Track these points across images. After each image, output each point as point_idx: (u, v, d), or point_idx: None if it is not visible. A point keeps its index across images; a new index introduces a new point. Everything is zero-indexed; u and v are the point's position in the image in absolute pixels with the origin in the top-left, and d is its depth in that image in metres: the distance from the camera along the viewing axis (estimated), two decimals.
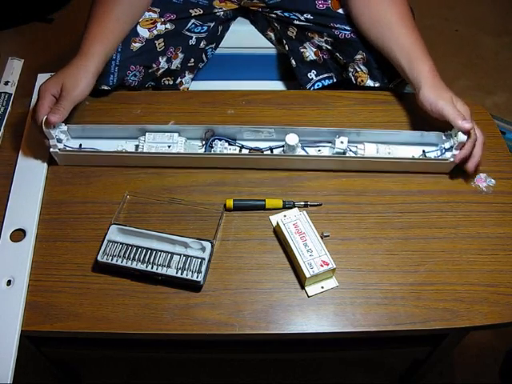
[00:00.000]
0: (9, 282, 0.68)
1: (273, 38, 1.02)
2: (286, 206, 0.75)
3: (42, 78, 0.90)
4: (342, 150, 0.78)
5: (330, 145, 0.80)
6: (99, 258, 0.68)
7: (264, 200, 0.75)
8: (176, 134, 0.78)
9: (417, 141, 0.80)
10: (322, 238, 0.71)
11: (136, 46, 0.86)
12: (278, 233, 0.73)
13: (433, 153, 0.80)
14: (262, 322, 0.66)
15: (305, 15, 0.92)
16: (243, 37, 1.03)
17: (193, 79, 1.00)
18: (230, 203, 0.75)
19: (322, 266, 0.67)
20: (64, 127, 0.77)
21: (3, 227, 0.73)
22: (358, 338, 0.84)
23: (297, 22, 0.93)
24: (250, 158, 0.78)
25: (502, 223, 0.75)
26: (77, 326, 0.66)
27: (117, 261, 0.68)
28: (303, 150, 0.79)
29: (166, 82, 0.96)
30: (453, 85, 1.72)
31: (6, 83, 0.89)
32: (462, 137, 0.74)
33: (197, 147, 0.80)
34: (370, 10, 0.83)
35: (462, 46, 1.84)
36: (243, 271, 0.70)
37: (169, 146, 0.77)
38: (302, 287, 0.69)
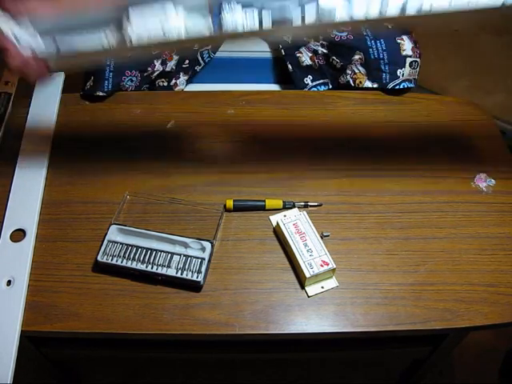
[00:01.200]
0: (9, 282, 0.68)
1: (268, 42, 1.02)
2: (286, 206, 0.75)
3: None
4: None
5: None
6: (99, 258, 0.68)
7: (264, 200, 0.75)
8: (170, 5, 0.57)
9: None
10: (321, 237, 0.71)
11: None
12: (277, 233, 0.73)
13: None
14: (261, 322, 0.66)
15: None
16: (244, 40, 1.03)
17: (190, 81, 1.00)
18: (229, 203, 0.75)
19: (322, 265, 0.67)
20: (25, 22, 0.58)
21: (3, 227, 0.73)
22: (358, 338, 0.84)
23: None
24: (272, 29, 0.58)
25: (501, 223, 0.75)
26: (77, 326, 0.66)
27: (117, 261, 0.68)
28: None
29: (161, 84, 0.96)
30: (453, 85, 1.72)
31: (6, 83, 0.89)
32: None
33: (201, 19, 0.58)
34: None
35: (462, 46, 1.84)
36: (243, 271, 0.70)
37: (164, 34, 0.58)
38: (302, 287, 0.69)
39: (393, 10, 0.56)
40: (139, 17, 0.57)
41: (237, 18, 0.57)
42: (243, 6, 0.57)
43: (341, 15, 0.57)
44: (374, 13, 0.57)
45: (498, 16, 0.58)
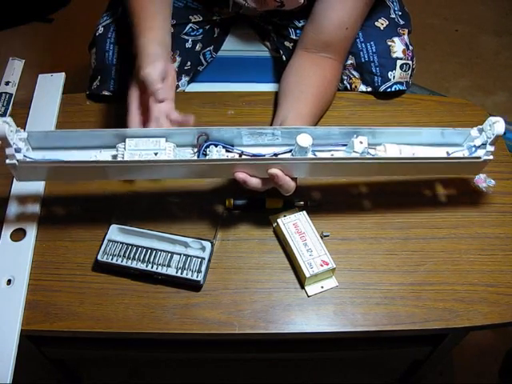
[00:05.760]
0: (9, 282, 0.68)
1: (269, 46, 1.02)
2: (286, 206, 0.75)
3: (42, 78, 0.90)
4: (360, 152, 0.67)
5: (344, 148, 0.69)
6: (99, 257, 0.68)
7: (264, 200, 0.75)
8: (163, 140, 0.65)
9: (439, 141, 0.71)
10: (321, 237, 0.71)
11: None
12: (277, 233, 0.73)
13: (459, 153, 0.71)
14: (261, 322, 0.66)
15: (302, 21, 0.92)
16: (245, 40, 1.03)
17: (193, 81, 1.00)
18: (229, 203, 0.75)
19: (321, 265, 0.67)
20: (23, 134, 0.63)
21: (3, 227, 0.73)
22: (358, 338, 0.84)
23: (293, 37, 0.93)
24: (255, 163, 0.65)
25: (501, 223, 0.75)
26: (77, 325, 0.66)
27: (117, 260, 0.68)
28: (314, 155, 0.68)
29: None
30: (453, 85, 1.72)
31: (7, 83, 0.89)
32: (499, 128, 0.66)
33: (188, 155, 0.68)
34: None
35: (462, 46, 1.84)
36: (243, 271, 0.70)
37: (155, 154, 0.64)
38: (302, 287, 0.69)
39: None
40: (134, 142, 0.65)
41: (219, 156, 0.67)
42: (226, 150, 0.67)
43: (310, 154, 0.66)
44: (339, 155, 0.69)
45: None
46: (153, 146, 0.65)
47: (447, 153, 0.71)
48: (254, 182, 0.67)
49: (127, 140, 0.65)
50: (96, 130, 0.66)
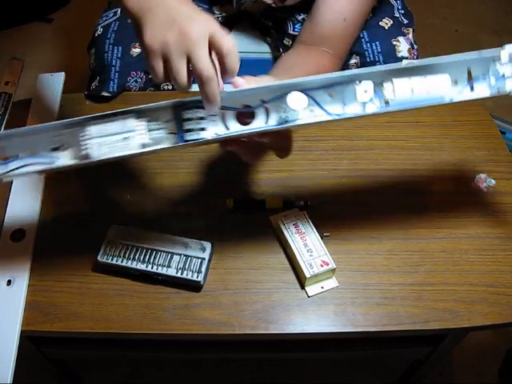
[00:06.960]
0: (9, 282, 0.68)
1: (270, 43, 1.02)
2: (286, 206, 0.75)
3: (42, 78, 0.90)
4: (364, 102, 0.55)
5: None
6: (99, 257, 0.68)
7: (264, 200, 0.75)
8: (131, 118, 0.55)
9: (461, 63, 0.61)
10: (321, 237, 0.71)
11: (136, 51, 0.86)
12: (277, 233, 0.73)
13: (482, 82, 0.61)
14: (261, 322, 0.66)
15: (302, 14, 0.91)
16: (246, 40, 1.03)
17: (194, 82, 1.00)
18: (230, 203, 0.75)
19: (322, 266, 0.67)
20: None
21: (3, 227, 0.73)
22: (358, 338, 0.84)
23: (291, 32, 0.93)
24: (243, 134, 0.56)
25: (501, 223, 0.75)
26: (77, 325, 0.66)
27: (117, 261, 0.68)
28: (311, 99, 0.55)
29: (166, 87, 0.96)
30: None
31: (7, 83, 0.89)
32: None
33: (164, 133, 0.56)
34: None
35: (462, 46, 1.84)
36: (243, 271, 0.70)
37: (124, 139, 0.54)
38: (302, 287, 0.69)
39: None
40: (99, 131, 0.54)
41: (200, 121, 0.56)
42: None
43: (305, 120, 0.55)
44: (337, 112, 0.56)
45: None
46: (120, 128, 0.54)
47: (469, 73, 0.60)
48: (245, 157, 0.60)
49: (92, 127, 0.54)
50: (44, 124, 0.54)
